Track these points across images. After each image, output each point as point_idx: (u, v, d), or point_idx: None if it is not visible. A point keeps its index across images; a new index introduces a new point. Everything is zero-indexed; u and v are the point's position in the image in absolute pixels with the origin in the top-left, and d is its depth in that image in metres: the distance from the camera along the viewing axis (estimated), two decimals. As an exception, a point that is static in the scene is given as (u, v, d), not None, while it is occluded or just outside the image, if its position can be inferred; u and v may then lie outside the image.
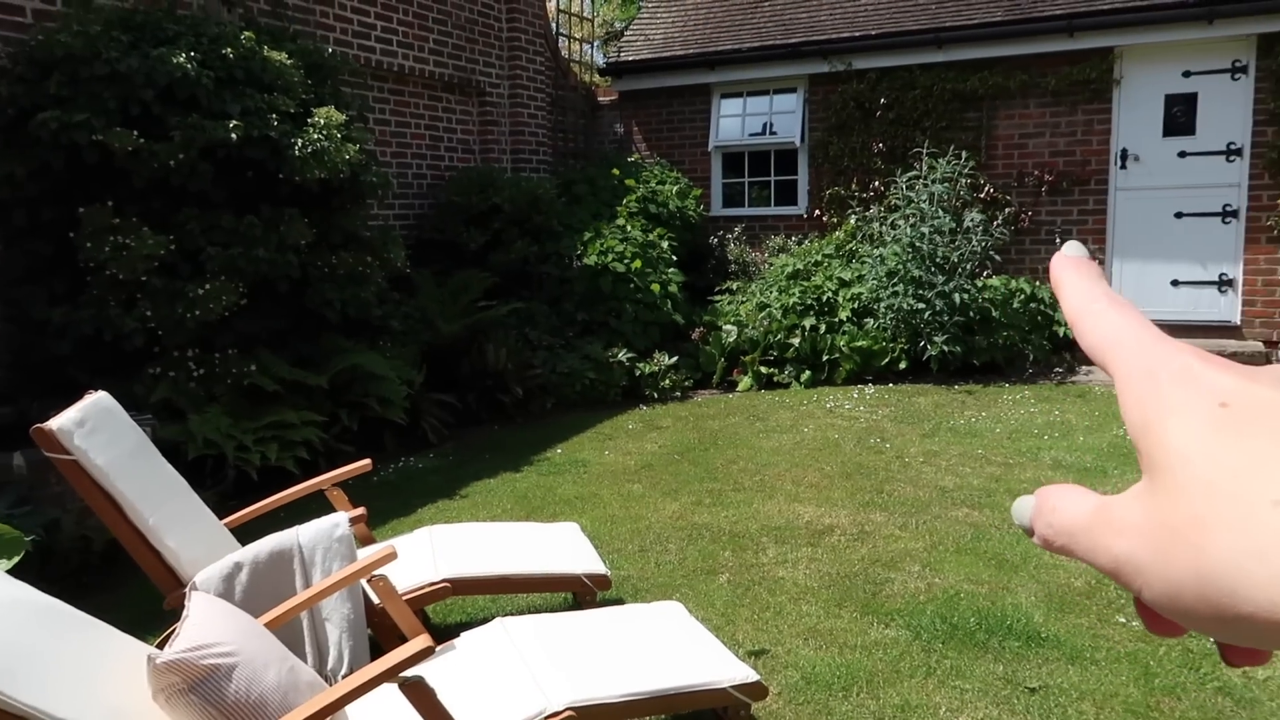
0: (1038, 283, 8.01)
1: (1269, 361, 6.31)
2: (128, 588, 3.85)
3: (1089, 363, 7.97)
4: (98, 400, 2.63)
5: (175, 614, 2.14)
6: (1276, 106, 7.39)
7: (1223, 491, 0.28)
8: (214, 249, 4.95)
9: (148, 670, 1.81)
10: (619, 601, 3.45)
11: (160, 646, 2.00)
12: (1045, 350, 7.53)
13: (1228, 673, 2.88)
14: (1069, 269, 0.38)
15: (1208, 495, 0.29)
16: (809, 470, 5.17)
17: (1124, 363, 0.34)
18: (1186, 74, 7.76)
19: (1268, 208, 7.54)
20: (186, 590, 2.41)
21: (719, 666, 2.34)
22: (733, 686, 2.27)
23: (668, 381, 7.24)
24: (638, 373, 7.20)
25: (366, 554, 2.61)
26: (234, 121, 4.88)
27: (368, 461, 3.32)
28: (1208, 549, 0.28)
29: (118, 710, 1.78)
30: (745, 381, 7.49)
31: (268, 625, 2.28)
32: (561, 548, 3.27)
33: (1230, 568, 0.28)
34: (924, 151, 7.94)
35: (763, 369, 7.53)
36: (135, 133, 4.63)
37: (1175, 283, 7.96)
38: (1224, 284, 7.79)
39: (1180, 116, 7.83)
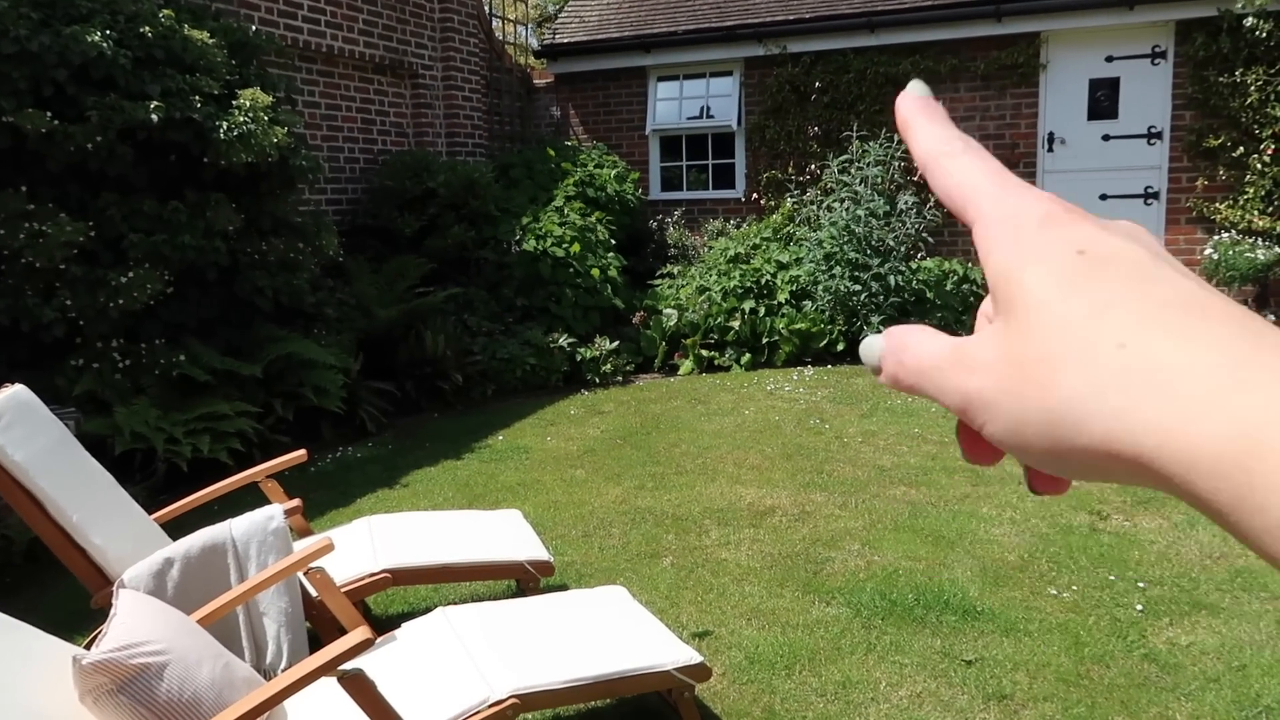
0: (970, 264, 8.17)
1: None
2: (53, 588, 3.72)
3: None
4: (14, 394, 2.52)
5: (104, 613, 2.07)
6: (1194, 91, 7.62)
7: (1072, 333, 0.30)
8: (136, 236, 4.79)
9: (73, 672, 1.75)
10: (563, 588, 3.44)
11: (88, 647, 1.93)
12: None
13: (1153, 640, 2.98)
14: (918, 111, 0.38)
15: (1059, 336, 0.30)
16: (750, 452, 5.21)
17: (983, 209, 0.34)
18: (1109, 59, 7.97)
19: (1186, 190, 7.79)
20: (114, 588, 2.33)
21: (662, 649, 2.35)
22: (676, 669, 2.27)
23: (609, 366, 7.23)
24: (579, 358, 7.17)
25: (303, 546, 2.55)
26: (154, 103, 4.72)
27: (303, 452, 3.25)
28: (1054, 386, 0.30)
29: (41, 715, 1.72)
30: (686, 365, 7.51)
31: (201, 622, 2.22)
32: (504, 535, 3.24)
33: (1074, 404, 0.29)
34: (854, 135, 8.03)
35: (703, 352, 7.56)
36: (49, 114, 4.44)
37: (1100, 263, 8.18)
38: (1146, 264, 8.03)
39: (1104, 100, 8.04)
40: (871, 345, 0.37)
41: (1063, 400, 0.29)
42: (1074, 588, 3.37)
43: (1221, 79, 7.47)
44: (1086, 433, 0.29)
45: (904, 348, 0.35)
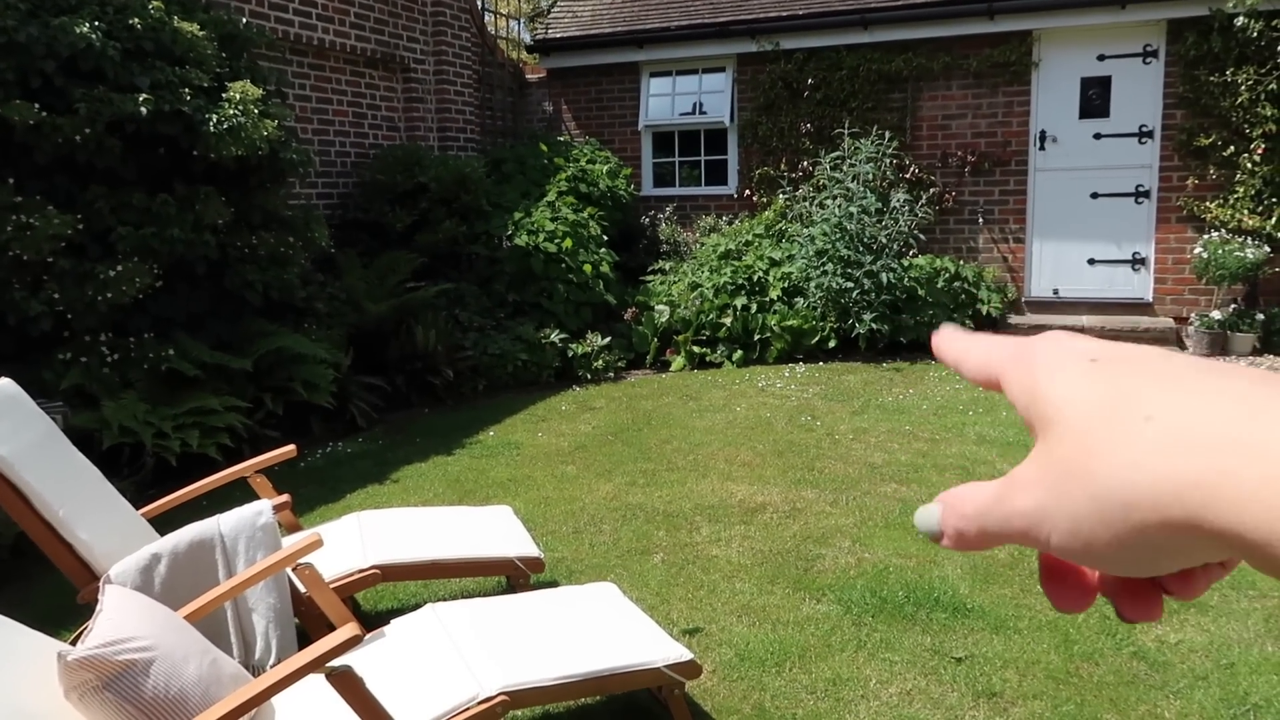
0: (962, 262, 8.18)
1: (1180, 338, 6.49)
2: (39, 583, 3.70)
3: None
4: (0, 388, 2.50)
5: (90, 609, 2.06)
6: (1185, 90, 7.64)
7: (1101, 420, 0.31)
8: (125, 229, 4.75)
9: (58, 668, 1.74)
10: (553, 584, 3.43)
11: (74, 643, 1.91)
12: (969, 328, 7.68)
13: (1142, 638, 2.99)
14: (947, 336, 0.43)
15: (1089, 426, 0.32)
16: (741, 449, 5.21)
17: (1002, 361, 0.38)
18: (1101, 57, 7.98)
19: (1177, 188, 7.81)
20: (100, 584, 2.32)
21: (653, 646, 2.34)
22: (666, 665, 2.27)
23: (601, 362, 7.21)
24: (570, 354, 7.16)
25: (291, 542, 2.54)
26: (143, 95, 4.68)
27: (292, 447, 3.24)
28: (1094, 472, 0.31)
29: (26, 711, 1.70)
30: (678, 361, 7.51)
31: (188, 618, 2.20)
32: (494, 531, 3.23)
33: (1115, 482, 0.30)
34: (845, 132, 8.03)
35: (695, 349, 7.56)
36: (36, 106, 4.41)
37: (1092, 261, 8.21)
38: (1137, 262, 8.06)
39: (1095, 99, 8.06)
40: (929, 512, 0.38)
41: (1105, 482, 0.30)
42: (1063, 585, 3.37)
43: (1212, 78, 7.49)
44: (1135, 507, 0.30)
45: (961, 500, 0.37)
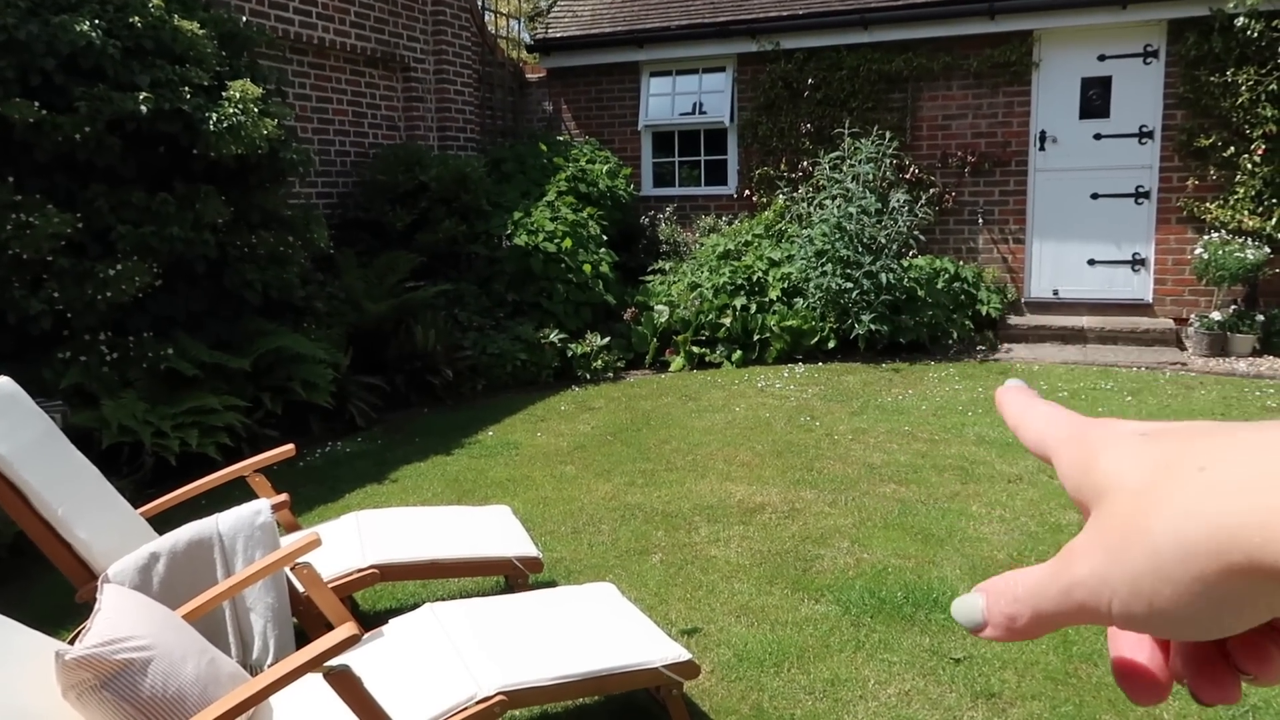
0: (961, 263, 8.18)
1: (1179, 339, 6.47)
2: (38, 582, 3.70)
3: (1011, 341, 8.16)
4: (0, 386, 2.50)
5: (88, 608, 2.05)
6: (1185, 90, 7.64)
7: (1155, 477, 0.32)
8: (125, 227, 4.75)
9: (56, 667, 1.73)
10: (552, 584, 3.43)
11: (72, 642, 1.91)
12: (968, 329, 7.71)
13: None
14: (1010, 393, 0.43)
15: (1143, 491, 0.32)
16: (740, 449, 5.21)
17: (1056, 438, 0.38)
18: (1101, 58, 7.98)
19: (1177, 189, 7.81)
20: (99, 583, 2.31)
21: (651, 646, 2.34)
22: (665, 666, 2.27)
23: (600, 362, 7.21)
24: (569, 354, 7.16)
25: (290, 541, 2.54)
26: (143, 93, 4.68)
27: (291, 447, 3.23)
28: (1151, 527, 0.31)
29: (24, 710, 1.70)
30: (677, 362, 7.51)
31: (186, 617, 2.20)
32: (492, 531, 3.23)
33: (1173, 533, 0.30)
34: (845, 132, 8.03)
35: (695, 349, 7.56)
36: (36, 104, 4.41)
37: (1092, 262, 8.21)
38: (1137, 263, 8.06)
39: (1096, 99, 8.06)
40: (970, 603, 0.37)
41: (1162, 534, 0.31)
42: (1062, 586, 3.37)
43: (1213, 79, 7.49)
44: (1194, 555, 0.30)
45: (1010, 584, 0.37)
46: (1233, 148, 7.49)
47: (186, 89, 4.91)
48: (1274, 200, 7.38)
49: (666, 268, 8.36)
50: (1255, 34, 7.17)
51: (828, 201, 7.74)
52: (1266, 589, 0.29)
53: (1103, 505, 0.34)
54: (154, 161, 5.00)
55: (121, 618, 1.92)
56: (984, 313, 7.84)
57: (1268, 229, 7.34)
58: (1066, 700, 2.67)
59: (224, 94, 5.11)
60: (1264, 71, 7.31)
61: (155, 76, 4.82)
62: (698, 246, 8.60)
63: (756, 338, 7.57)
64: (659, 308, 7.70)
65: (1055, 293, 8.31)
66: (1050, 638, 2.99)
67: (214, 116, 4.94)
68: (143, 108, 4.65)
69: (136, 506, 2.90)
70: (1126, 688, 0.37)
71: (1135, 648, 0.39)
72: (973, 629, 0.37)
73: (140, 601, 2.09)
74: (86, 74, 4.63)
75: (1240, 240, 7.33)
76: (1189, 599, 0.30)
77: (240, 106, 5.06)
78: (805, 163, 8.68)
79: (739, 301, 7.62)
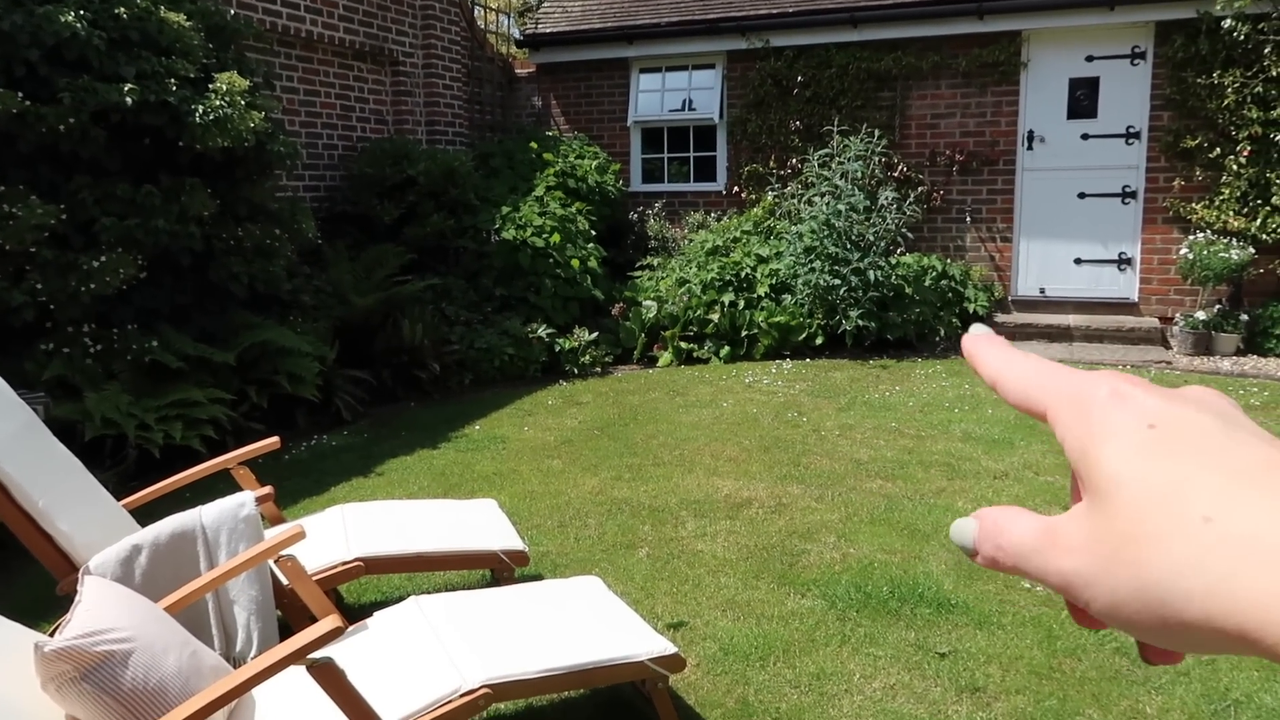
0: (949, 260, 8.21)
1: (1164, 338, 6.49)
2: (19, 574, 3.67)
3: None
4: (-21, 376, 2.48)
5: (70, 600, 2.04)
6: (1172, 92, 7.68)
7: (1156, 509, 0.30)
8: (109, 219, 4.72)
9: (35, 659, 1.72)
10: (538, 578, 3.43)
11: (52, 635, 1.90)
12: (955, 327, 7.74)
13: (1125, 635, 3.00)
14: (980, 342, 0.41)
15: (1142, 513, 0.31)
16: (728, 444, 5.21)
17: (1051, 396, 0.36)
18: (1089, 58, 8.01)
19: (1163, 189, 7.86)
20: (80, 575, 2.30)
21: (637, 640, 2.34)
22: (650, 659, 2.27)
23: (588, 357, 7.21)
24: (557, 348, 7.15)
25: (274, 534, 2.52)
26: (128, 85, 4.65)
27: (275, 439, 3.21)
28: (1144, 564, 0.30)
29: (3, 702, 1.68)
30: (665, 357, 7.51)
31: (168, 609, 2.19)
32: (478, 524, 3.22)
33: (1167, 582, 0.29)
34: (834, 130, 8.04)
35: (682, 344, 7.56)
36: (20, 95, 4.37)
37: (1078, 261, 8.25)
38: (1123, 262, 8.11)
39: (1083, 100, 8.09)
40: (964, 528, 0.37)
41: (1156, 579, 0.30)
42: (1047, 582, 3.39)
43: (1199, 80, 7.53)
44: (1185, 610, 0.29)
45: (1000, 530, 0.36)
46: (1218, 149, 7.53)
47: (172, 81, 4.87)
48: (1259, 201, 7.43)
49: (655, 263, 8.35)
50: (1241, 36, 7.21)
51: (816, 199, 7.75)
52: (1245, 648, 0.28)
53: (1096, 508, 0.32)
54: (139, 154, 4.97)
55: (102, 610, 1.91)
56: (971, 310, 7.86)
57: (1252, 229, 7.39)
58: (1050, 694, 2.68)
59: (210, 86, 5.08)
60: (1250, 74, 7.35)
61: (141, 68, 4.78)
62: (686, 243, 8.60)
63: (744, 334, 7.57)
64: (647, 303, 7.70)
65: (1042, 291, 8.35)
66: (1034, 633, 3.00)
67: (200, 109, 4.91)
68: (128, 99, 4.62)
69: (119, 499, 2.87)
70: (1076, 616, 0.36)
71: None
72: (966, 553, 0.37)
73: (122, 594, 2.08)
74: (71, 65, 4.60)
75: (1225, 240, 7.38)
76: (1166, 633, 0.30)
77: (227, 99, 5.03)
78: (794, 160, 8.69)
79: (727, 298, 7.62)
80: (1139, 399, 0.33)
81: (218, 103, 4.97)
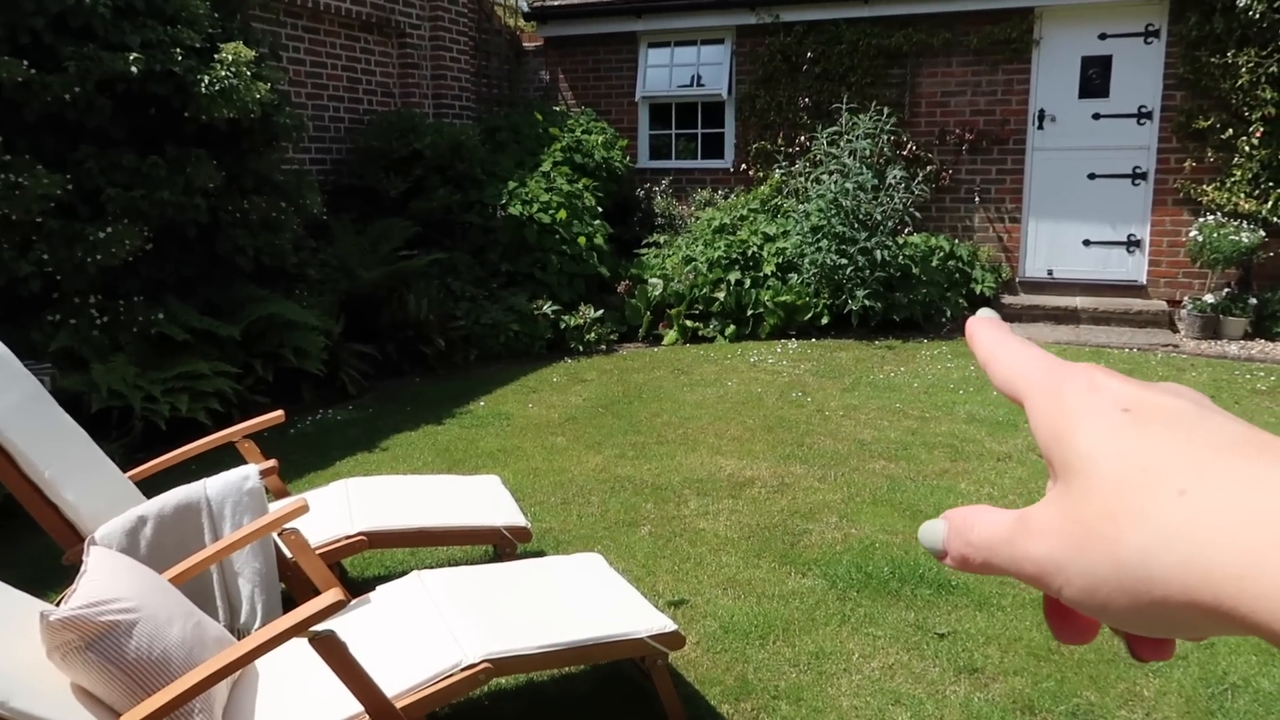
0: (957, 241, 8.16)
1: (1172, 321, 6.47)
2: (26, 544, 3.70)
3: (1004, 319, 8.30)
4: (-15, 347, 2.49)
5: (75, 570, 2.05)
6: (1185, 71, 7.60)
7: (1131, 485, 0.30)
8: (115, 190, 4.71)
9: (41, 628, 1.74)
10: (540, 554, 3.44)
11: (58, 604, 1.91)
12: (962, 308, 7.71)
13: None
14: (981, 325, 0.41)
15: (1117, 489, 0.30)
16: (731, 423, 5.21)
17: (1030, 385, 0.36)
18: (1102, 36, 7.93)
19: (1174, 171, 7.79)
20: (85, 545, 2.31)
21: (637, 617, 2.35)
22: (650, 636, 2.28)
23: (593, 334, 7.20)
24: (562, 325, 7.15)
25: (278, 507, 2.54)
26: (134, 54, 4.62)
27: (280, 413, 3.23)
28: (1120, 540, 0.30)
29: (8, 671, 1.70)
30: (670, 335, 7.50)
31: (173, 580, 2.21)
32: (482, 500, 3.23)
33: (1142, 556, 0.29)
34: (843, 107, 7.98)
35: (688, 323, 7.55)
36: (25, 63, 4.35)
37: (1087, 242, 8.20)
38: (1132, 244, 8.06)
39: (1095, 78, 8.01)
40: (933, 530, 0.37)
41: (1131, 554, 0.29)
42: (1047, 564, 3.39)
43: (1213, 60, 7.45)
44: (1161, 584, 0.29)
45: (969, 527, 0.36)
46: (1231, 130, 7.46)
47: (178, 50, 4.85)
48: (1270, 183, 7.36)
49: (661, 241, 8.33)
50: (1257, 15, 7.13)
51: (824, 177, 7.71)
52: (1226, 626, 0.28)
53: (1071, 487, 0.32)
54: (145, 123, 4.95)
55: (107, 580, 1.92)
56: (978, 291, 7.83)
57: (1263, 212, 7.33)
58: (1049, 676, 2.69)
59: (216, 56, 5.06)
60: (1265, 53, 7.27)
61: (146, 37, 4.76)
62: (693, 220, 8.57)
63: (750, 312, 7.56)
64: (653, 281, 7.68)
65: (1050, 273, 8.31)
66: (1034, 615, 3.01)
67: (206, 79, 4.89)
68: (133, 68, 4.60)
69: (125, 470, 2.89)
70: (1054, 625, 0.36)
71: None
72: (935, 555, 0.37)
73: (127, 564, 2.09)
74: (76, 33, 4.57)
75: (1235, 223, 7.32)
76: (1144, 614, 0.30)
77: (233, 69, 5.00)
78: (803, 137, 8.63)
79: (733, 276, 7.60)
80: (1114, 387, 0.33)
81: (224, 73, 4.95)
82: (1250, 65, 7.31)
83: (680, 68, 9.36)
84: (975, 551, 0.35)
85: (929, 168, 8.33)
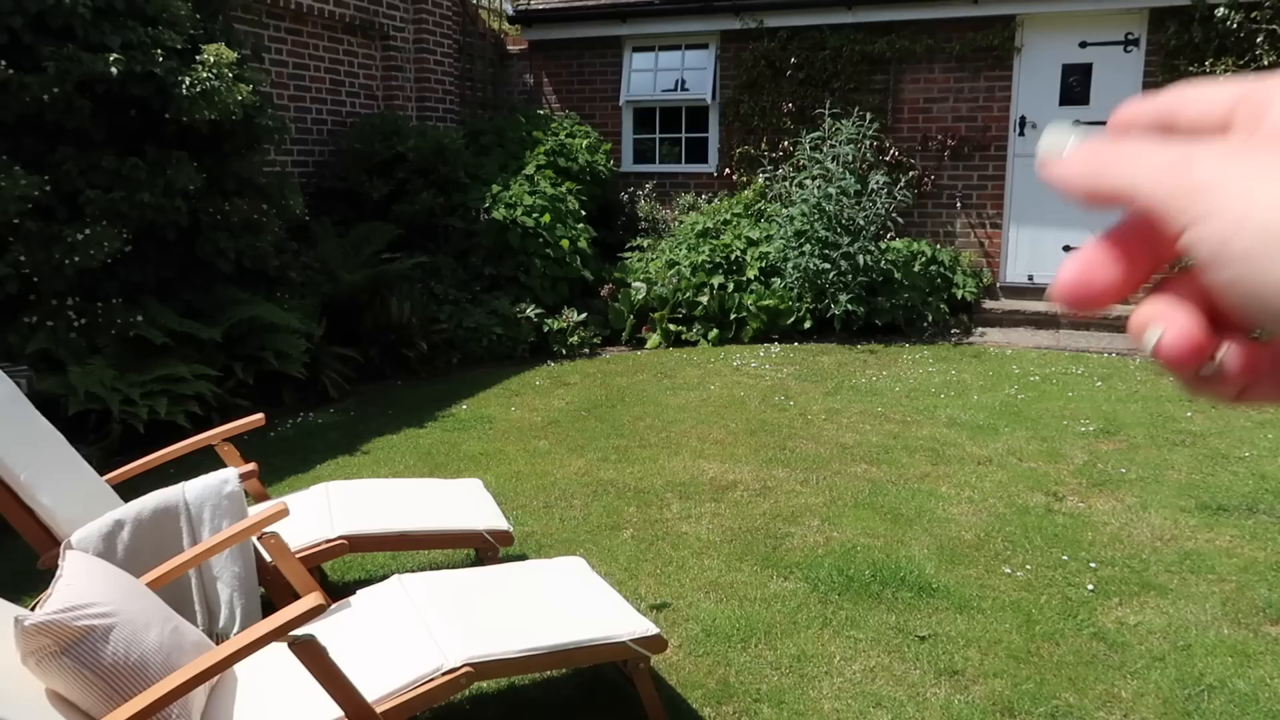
0: (939, 246, 8.21)
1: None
2: (1, 548, 3.65)
3: (985, 325, 8.19)
4: (-40, 349, 2.46)
5: (51, 575, 2.03)
6: (1164, 79, 7.68)
7: None
8: (94, 191, 4.67)
9: (15, 633, 1.72)
10: (522, 558, 3.43)
11: (33, 609, 1.89)
12: (944, 312, 7.75)
13: (1102, 620, 3.04)
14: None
15: None
16: (714, 427, 5.22)
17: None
18: (1083, 44, 8.00)
19: (1153, 178, 7.86)
20: (61, 549, 2.29)
21: (619, 621, 2.35)
22: (632, 640, 2.28)
23: (576, 338, 7.20)
24: (546, 329, 7.14)
25: (258, 511, 2.52)
26: (114, 55, 4.59)
27: (260, 416, 3.21)
28: None
29: (-18, 676, 1.68)
30: (654, 339, 7.50)
31: (151, 585, 2.19)
32: (463, 504, 3.22)
33: None
34: (827, 113, 8.01)
35: (671, 327, 7.55)
36: (3, 63, 4.31)
37: (1067, 248, 8.26)
38: (1111, 250, 8.11)
39: (1076, 86, 8.08)
40: (1060, 133, 0.31)
41: None
42: (1027, 567, 3.42)
43: (1191, 68, 7.53)
44: None
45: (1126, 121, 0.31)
46: (1209, 138, 7.54)
47: (159, 51, 4.82)
48: (1247, 191, 7.44)
49: (645, 245, 8.33)
50: (1234, 25, 7.21)
51: (808, 182, 7.74)
52: None
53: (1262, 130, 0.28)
54: (125, 125, 4.92)
55: (84, 584, 1.90)
56: (959, 296, 7.88)
57: (1240, 219, 7.41)
58: (1028, 678, 2.71)
59: (198, 58, 5.02)
60: (1242, 63, 7.36)
61: (127, 38, 4.73)
62: (677, 224, 8.58)
63: (733, 316, 7.57)
64: (636, 285, 7.69)
65: (1030, 278, 8.37)
66: (1014, 617, 3.03)
67: (187, 80, 4.86)
68: (113, 69, 4.56)
69: (103, 474, 2.86)
70: (1079, 276, 0.32)
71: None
72: (1050, 160, 0.32)
73: (103, 568, 2.07)
74: (55, 33, 4.54)
75: (1213, 230, 7.39)
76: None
77: (214, 71, 4.97)
78: (786, 142, 8.66)
79: (716, 280, 7.62)
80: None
81: (205, 75, 4.92)
82: (1228, 74, 7.39)
83: (664, 72, 9.38)
84: (1108, 153, 0.30)
85: (911, 173, 8.37)
